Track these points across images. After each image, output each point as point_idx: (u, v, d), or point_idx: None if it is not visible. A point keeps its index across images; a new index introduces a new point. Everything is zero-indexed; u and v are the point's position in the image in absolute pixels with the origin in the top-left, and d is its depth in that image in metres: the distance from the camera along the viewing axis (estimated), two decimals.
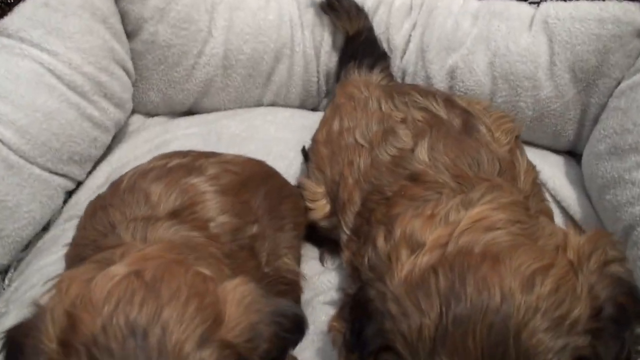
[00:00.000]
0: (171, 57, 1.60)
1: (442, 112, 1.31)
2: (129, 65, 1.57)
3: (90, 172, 1.52)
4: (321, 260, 1.41)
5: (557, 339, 0.79)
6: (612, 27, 1.39)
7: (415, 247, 0.92)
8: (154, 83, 1.64)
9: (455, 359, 0.78)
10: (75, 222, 1.40)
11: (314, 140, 1.46)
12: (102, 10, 1.47)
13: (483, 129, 1.28)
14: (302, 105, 1.78)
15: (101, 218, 1.09)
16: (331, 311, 1.24)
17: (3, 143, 1.27)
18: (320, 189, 1.39)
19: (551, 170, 1.50)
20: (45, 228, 1.43)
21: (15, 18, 1.37)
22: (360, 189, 1.27)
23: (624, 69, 1.40)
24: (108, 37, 1.48)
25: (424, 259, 0.89)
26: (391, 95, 1.38)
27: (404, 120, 1.30)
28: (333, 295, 1.30)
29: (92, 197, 1.44)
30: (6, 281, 1.33)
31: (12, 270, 1.35)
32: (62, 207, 1.47)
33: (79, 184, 1.51)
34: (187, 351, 0.74)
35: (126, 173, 1.21)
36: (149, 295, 0.78)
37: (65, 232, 1.39)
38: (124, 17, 1.55)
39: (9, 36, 1.36)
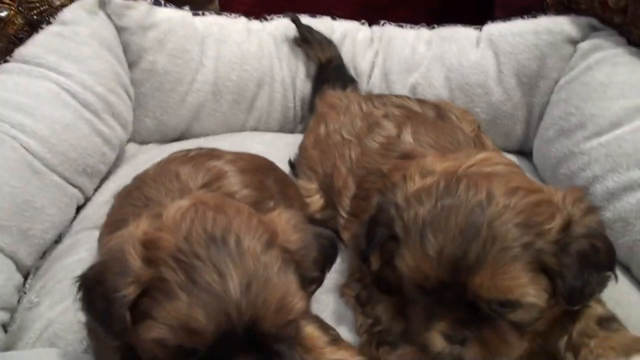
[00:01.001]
0: (167, 84, 1.76)
1: (416, 107, 1.52)
2: (131, 91, 1.73)
3: (96, 190, 1.63)
4: None
5: (524, 235, 0.96)
6: (547, 37, 1.68)
7: (426, 174, 1.10)
8: (150, 110, 1.79)
9: (438, 235, 0.97)
10: (86, 233, 1.51)
11: (302, 147, 1.64)
12: (109, 39, 1.65)
13: (453, 117, 1.50)
14: (281, 130, 1.96)
15: (137, 195, 1.20)
16: (339, 281, 1.37)
17: (28, 151, 1.38)
18: (314, 185, 1.55)
19: None
20: (57, 241, 1.51)
21: (30, 47, 1.53)
22: (353, 175, 1.43)
23: (560, 70, 1.68)
24: (114, 62, 1.65)
25: (432, 179, 1.07)
26: (369, 98, 1.59)
27: (385, 116, 1.49)
28: (338, 268, 1.41)
29: (99, 212, 1.56)
30: (27, 286, 1.39)
31: (31, 277, 1.42)
32: (72, 222, 1.56)
33: (86, 201, 1.61)
34: (258, 252, 0.88)
35: (148, 168, 1.33)
36: (218, 213, 0.91)
37: (78, 241, 1.47)
38: (125, 48, 1.72)
39: (26, 62, 1.50)
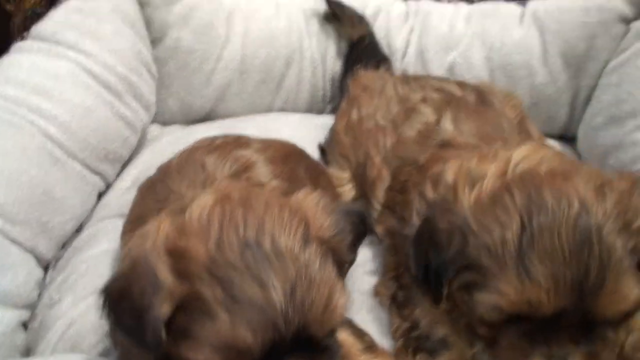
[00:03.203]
0: (192, 62, 1.68)
1: (456, 90, 1.43)
2: (154, 69, 1.65)
3: (117, 175, 1.57)
4: None
5: (627, 240, 0.87)
6: (597, 15, 1.56)
7: (475, 180, 0.99)
8: (174, 90, 1.72)
9: (546, 261, 0.85)
10: (107, 222, 1.45)
11: (334, 131, 1.55)
12: (131, 15, 1.57)
13: (496, 102, 1.40)
14: (309, 111, 1.87)
15: (161, 189, 1.14)
16: (372, 280, 1.30)
17: (47, 137, 1.32)
18: (346, 174, 1.48)
19: None
20: (78, 230, 1.46)
21: (48, 23, 1.45)
22: (389, 166, 1.35)
23: (610, 52, 1.56)
24: (136, 40, 1.57)
25: (488, 185, 0.96)
26: (406, 81, 1.49)
27: (423, 100, 1.40)
28: (371, 266, 1.36)
29: (121, 199, 1.51)
30: (47, 278, 1.34)
31: (51, 269, 1.36)
32: (93, 210, 1.50)
33: (107, 186, 1.55)
34: (297, 251, 0.80)
35: (172, 158, 1.26)
36: (247, 212, 0.83)
37: (99, 230, 1.41)
38: (148, 24, 1.64)
39: (43, 40, 1.42)
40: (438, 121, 1.31)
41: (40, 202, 1.26)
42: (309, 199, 0.91)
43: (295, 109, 1.85)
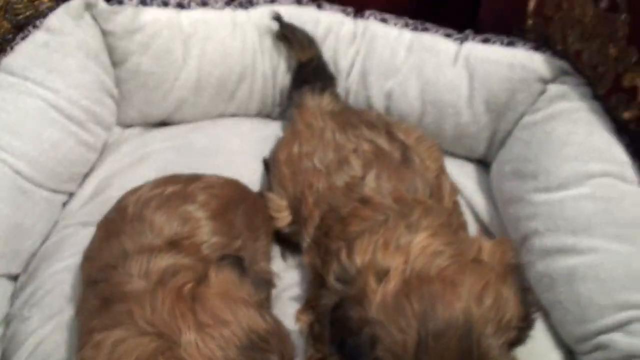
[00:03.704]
0: (151, 83, 1.81)
1: (385, 145, 1.58)
2: (115, 92, 1.78)
3: (79, 185, 1.74)
4: (283, 257, 1.67)
5: (499, 339, 1.09)
6: (520, 72, 1.71)
7: (381, 273, 1.18)
8: (134, 104, 1.86)
9: None
10: (71, 230, 1.61)
11: (276, 158, 1.69)
12: (94, 47, 1.67)
13: (417, 160, 1.56)
14: (259, 114, 2.03)
15: (116, 245, 1.30)
16: (296, 305, 1.52)
17: (16, 173, 1.48)
18: (284, 202, 1.63)
19: (466, 180, 1.83)
20: None
21: (17, 57, 1.56)
22: (319, 208, 1.52)
23: (527, 106, 1.73)
24: (99, 71, 1.69)
25: (391, 285, 1.15)
26: (344, 128, 1.63)
27: (355, 150, 1.56)
28: (297, 290, 1.56)
29: (83, 206, 1.68)
30: (18, 284, 1.54)
31: (22, 273, 1.55)
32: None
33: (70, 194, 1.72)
34: (268, 328, 1.06)
35: (128, 198, 1.41)
36: (231, 328, 1.03)
37: (64, 239, 1.59)
38: (110, 51, 1.75)
39: (13, 74, 1.54)
40: (363, 177, 1.49)
41: (12, 235, 1.44)
42: (225, 281, 1.12)
43: (246, 113, 2.01)
